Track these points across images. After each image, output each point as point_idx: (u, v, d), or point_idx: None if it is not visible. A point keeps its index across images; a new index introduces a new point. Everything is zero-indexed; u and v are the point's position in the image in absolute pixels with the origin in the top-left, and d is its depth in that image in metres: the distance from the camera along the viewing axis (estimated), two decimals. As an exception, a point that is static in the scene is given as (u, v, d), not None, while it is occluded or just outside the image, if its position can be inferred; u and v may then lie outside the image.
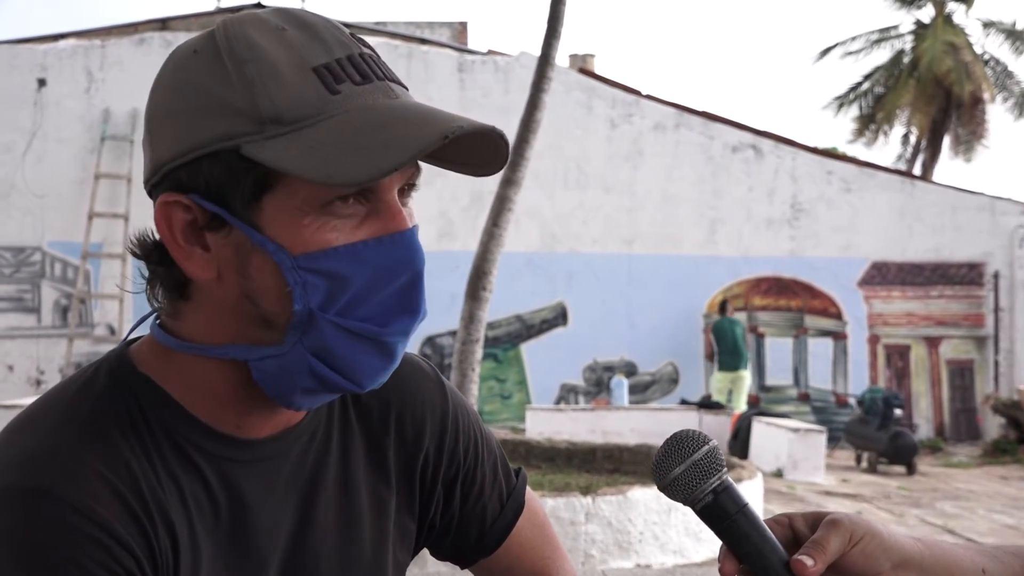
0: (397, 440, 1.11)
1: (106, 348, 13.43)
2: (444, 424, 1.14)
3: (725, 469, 0.94)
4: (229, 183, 0.90)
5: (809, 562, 0.91)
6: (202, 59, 0.93)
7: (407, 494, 1.12)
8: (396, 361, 0.95)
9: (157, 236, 0.96)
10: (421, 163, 0.95)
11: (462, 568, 1.23)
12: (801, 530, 0.95)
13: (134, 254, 0.98)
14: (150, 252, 0.96)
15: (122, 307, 13.68)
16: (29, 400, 9.01)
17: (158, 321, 1.00)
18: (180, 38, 14.18)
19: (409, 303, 0.93)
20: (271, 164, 0.88)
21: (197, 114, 0.91)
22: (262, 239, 0.90)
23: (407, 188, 0.96)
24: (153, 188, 0.94)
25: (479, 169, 0.99)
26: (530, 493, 1.24)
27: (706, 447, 0.93)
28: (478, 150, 0.95)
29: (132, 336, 1.03)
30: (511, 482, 1.21)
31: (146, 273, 0.98)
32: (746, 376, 13.58)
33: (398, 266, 0.91)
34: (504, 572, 1.22)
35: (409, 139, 0.88)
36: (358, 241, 0.90)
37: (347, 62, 0.92)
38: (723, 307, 14.12)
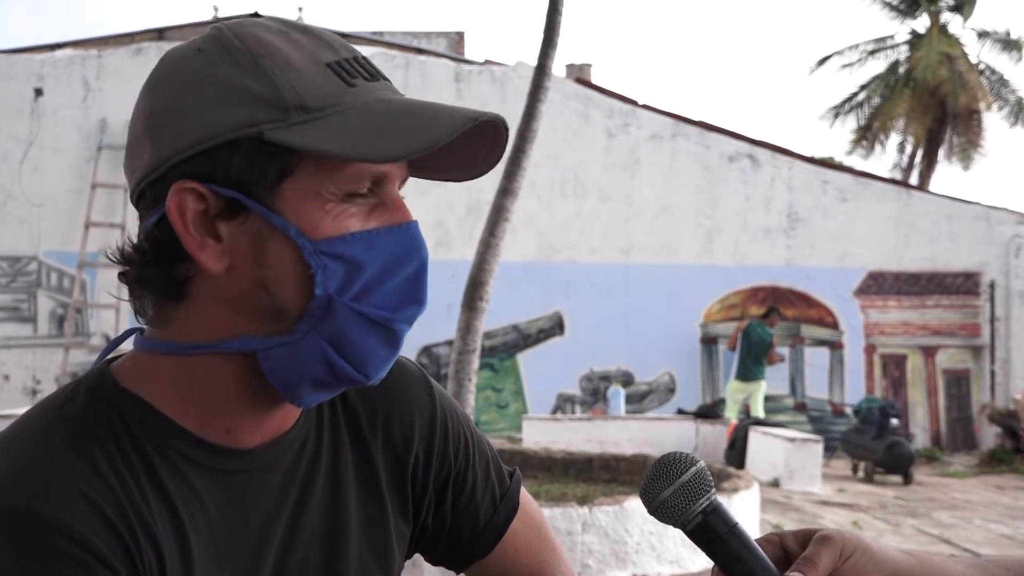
0: (385, 445, 1.10)
1: (102, 358, 13.43)
2: (433, 426, 1.13)
3: (713, 490, 0.94)
4: (249, 170, 0.89)
5: None
6: (210, 55, 0.92)
7: (399, 498, 1.11)
8: (398, 351, 0.96)
9: (136, 241, 0.94)
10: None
11: (457, 573, 1.21)
12: (792, 548, 0.95)
13: (117, 261, 0.96)
14: (138, 256, 0.94)
15: (118, 317, 13.66)
16: (24, 410, 8.97)
17: (143, 335, 0.98)
18: (177, 48, 14.22)
19: (415, 293, 0.94)
20: (303, 147, 0.88)
21: (213, 104, 0.90)
22: (284, 223, 0.89)
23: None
24: (153, 184, 0.92)
25: (466, 172, 1.00)
26: (527, 496, 1.23)
27: (693, 468, 0.93)
28: (472, 150, 0.97)
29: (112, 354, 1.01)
30: (504, 484, 1.20)
31: (128, 284, 0.97)
32: (764, 385, 13.19)
33: (406, 255, 0.93)
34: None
35: (442, 121, 0.90)
36: (372, 229, 0.92)
37: (354, 62, 0.94)
38: (768, 313, 13.53)
